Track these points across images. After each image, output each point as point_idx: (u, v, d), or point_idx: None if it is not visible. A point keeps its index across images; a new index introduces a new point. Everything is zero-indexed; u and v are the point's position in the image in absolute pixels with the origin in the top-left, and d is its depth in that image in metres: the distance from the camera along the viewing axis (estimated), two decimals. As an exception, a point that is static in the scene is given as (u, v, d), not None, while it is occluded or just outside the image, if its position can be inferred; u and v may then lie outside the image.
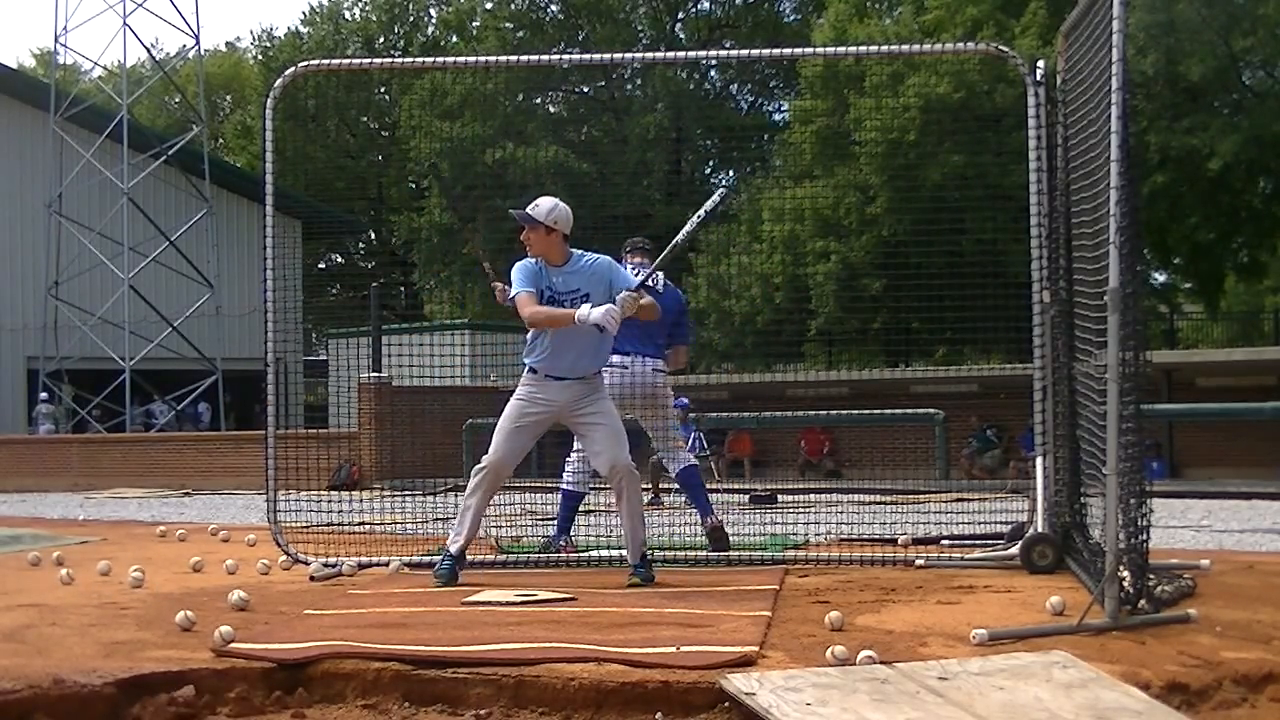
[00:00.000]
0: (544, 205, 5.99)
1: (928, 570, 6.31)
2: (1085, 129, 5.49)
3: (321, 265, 41.01)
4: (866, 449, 19.89)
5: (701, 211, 6.25)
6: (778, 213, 25.74)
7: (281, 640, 4.42)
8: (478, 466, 6.10)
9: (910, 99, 23.75)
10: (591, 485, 7.12)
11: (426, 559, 6.65)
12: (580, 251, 6.06)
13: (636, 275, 7.07)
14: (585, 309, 5.75)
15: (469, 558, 6.24)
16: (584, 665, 3.96)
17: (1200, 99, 24.66)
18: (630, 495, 5.93)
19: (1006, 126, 18.70)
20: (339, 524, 8.07)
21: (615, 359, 6.97)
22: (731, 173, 36.89)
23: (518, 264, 6.03)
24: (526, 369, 6.07)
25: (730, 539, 7.13)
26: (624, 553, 6.10)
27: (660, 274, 7.29)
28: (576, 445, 6.93)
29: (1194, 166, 24.22)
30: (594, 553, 6.90)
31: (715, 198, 6.39)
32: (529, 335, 6.07)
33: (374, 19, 41.25)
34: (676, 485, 7.46)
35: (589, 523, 7.70)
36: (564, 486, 7.07)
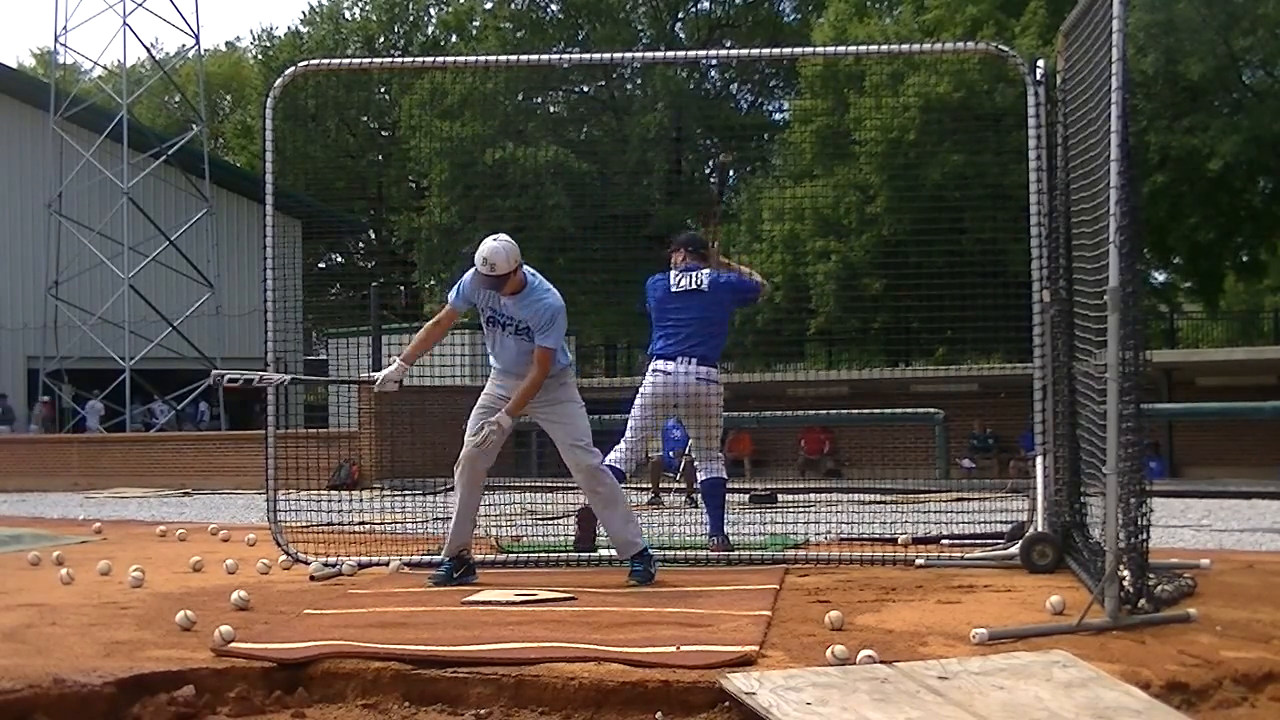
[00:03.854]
0: (498, 259, 5.82)
1: (928, 570, 6.31)
2: (1085, 129, 5.49)
3: (321, 265, 41.01)
4: (866, 448, 19.90)
5: None
6: (778, 212, 25.77)
7: (281, 640, 4.42)
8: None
9: (910, 98, 23.76)
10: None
11: (426, 559, 6.65)
12: (541, 285, 6.04)
13: (687, 277, 7.12)
14: (503, 412, 6.00)
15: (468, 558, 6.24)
16: (584, 665, 3.96)
17: (1200, 99, 24.67)
18: (596, 494, 6.03)
19: (1006, 126, 18.68)
20: (339, 524, 8.07)
21: (659, 364, 7.09)
22: (731, 171, 36.90)
23: (465, 277, 6.12)
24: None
25: (731, 541, 7.14)
26: (626, 552, 6.10)
27: (704, 271, 7.30)
28: (626, 434, 7.05)
29: (1194, 166, 24.22)
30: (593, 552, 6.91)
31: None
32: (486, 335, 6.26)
33: (374, 19, 41.23)
34: (677, 484, 7.49)
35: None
36: (608, 462, 6.88)
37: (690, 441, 7.53)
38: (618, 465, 6.93)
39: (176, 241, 27.52)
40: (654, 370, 7.14)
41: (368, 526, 9.00)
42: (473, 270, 6.00)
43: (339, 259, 43.56)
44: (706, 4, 38.25)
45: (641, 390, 7.18)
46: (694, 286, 7.20)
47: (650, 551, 6.13)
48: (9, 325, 27.19)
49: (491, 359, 6.22)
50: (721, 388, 7.23)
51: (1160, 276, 30.88)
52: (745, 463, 22.80)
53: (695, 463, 7.44)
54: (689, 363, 7.02)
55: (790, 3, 37.89)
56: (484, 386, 6.41)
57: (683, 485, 13.13)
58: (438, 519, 9.97)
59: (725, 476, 7.32)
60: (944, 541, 7.42)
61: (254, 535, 8.29)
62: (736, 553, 6.92)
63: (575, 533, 7.03)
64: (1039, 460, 6.39)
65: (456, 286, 6.17)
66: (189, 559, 6.96)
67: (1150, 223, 23.54)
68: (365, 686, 4.01)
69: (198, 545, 8.22)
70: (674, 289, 7.21)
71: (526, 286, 6.00)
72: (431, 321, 6.35)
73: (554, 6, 37.53)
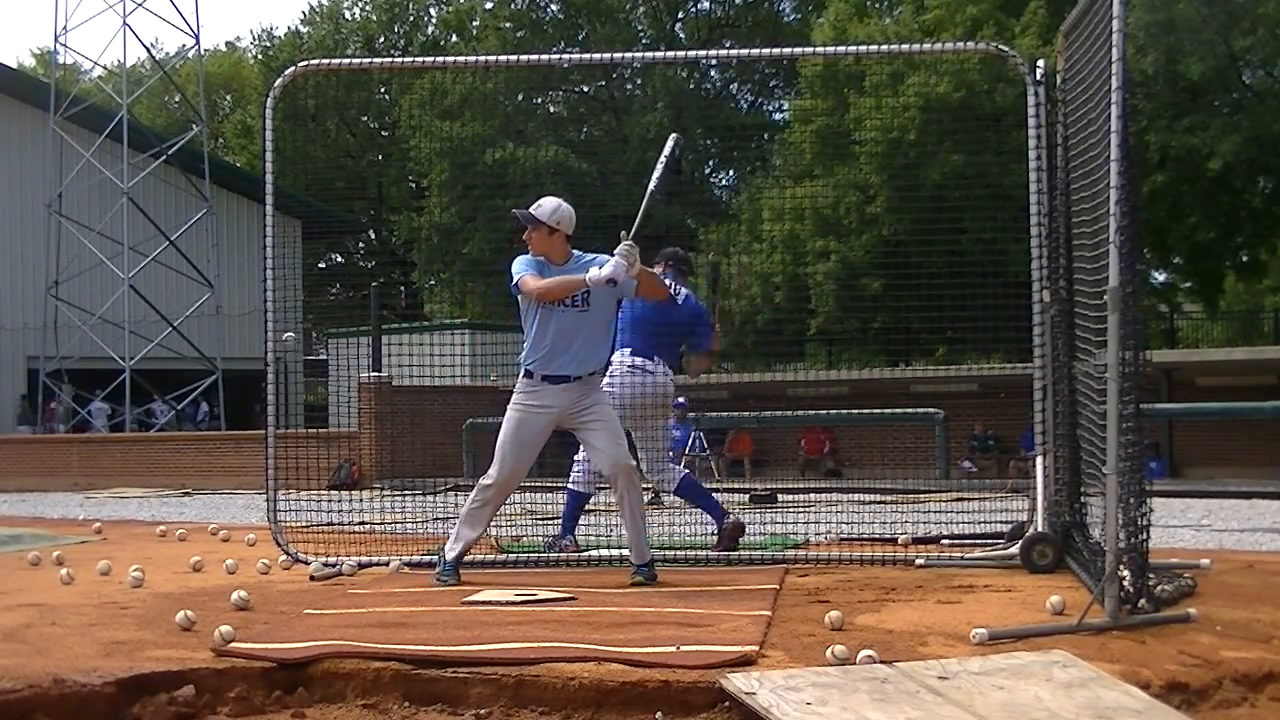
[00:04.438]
0: (547, 205, 5.96)
1: (928, 570, 6.31)
2: (1085, 128, 5.50)
3: (321, 265, 41.02)
4: (866, 449, 19.91)
5: (661, 161, 6.17)
6: (778, 212, 25.75)
7: (281, 640, 4.42)
8: (484, 481, 6.03)
9: (910, 98, 23.75)
10: (598, 485, 7.10)
11: (426, 559, 6.65)
12: (581, 251, 6.03)
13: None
14: (594, 270, 5.70)
15: (467, 555, 6.24)
16: (584, 665, 3.96)
17: (1200, 98, 24.66)
18: (631, 495, 5.91)
19: (1006, 126, 18.70)
20: (339, 524, 8.07)
21: (636, 360, 7.03)
22: (731, 172, 36.88)
23: (517, 261, 6.01)
24: (523, 373, 6.03)
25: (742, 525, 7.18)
26: (624, 552, 6.09)
27: (683, 289, 7.31)
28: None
29: (1194, 166, 24.21)
30: (594, 552, 6.91)
31: (669, 145, 6.23)
32: (527, 335, 6.02)
33: (374, 19, 41.27)
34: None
35: (589, 522, 7.70)
36: (571, 486, 7.06)
37: (639, 452, 7.13)
38: (583, 489, 6.95)
39: (176, 241, 27.53)
40: (627, 369, 7.04)
41: (368, 526, 9.00)
42: (521, 259, 5.97)
43: (339, 259, 43.57)
44: (706, 4, 38.27)
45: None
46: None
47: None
48: (9, 325, 27.21)
49: (536, 359, 5.92)
50: (657, 381, 7.05)
51: (1160, 276, 30.86)
52: (745, 463, 22.82)
53: (650, 478, 7.24)
54: (624, 353, 6.96)
55: (790, 3, 37.91)
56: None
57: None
58: (438, 519, 9.98)
59: (686, 470, 7.36)
60: (944, 541, 7.42)
61: (254, 535, 8.29)
62: (736, 553, 6.93)
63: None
64: (1039, 460, 6.39)
65: (524, 270, 5.90)
66: (189, 559, 6.96)
67: (1150, 223, 23.53)
68: (365, 686, 4.01)
69: (198, 545, 8.22)
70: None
71: (573, 256, 5.96)
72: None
73: (554, 6, 37.55)
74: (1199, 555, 6.68)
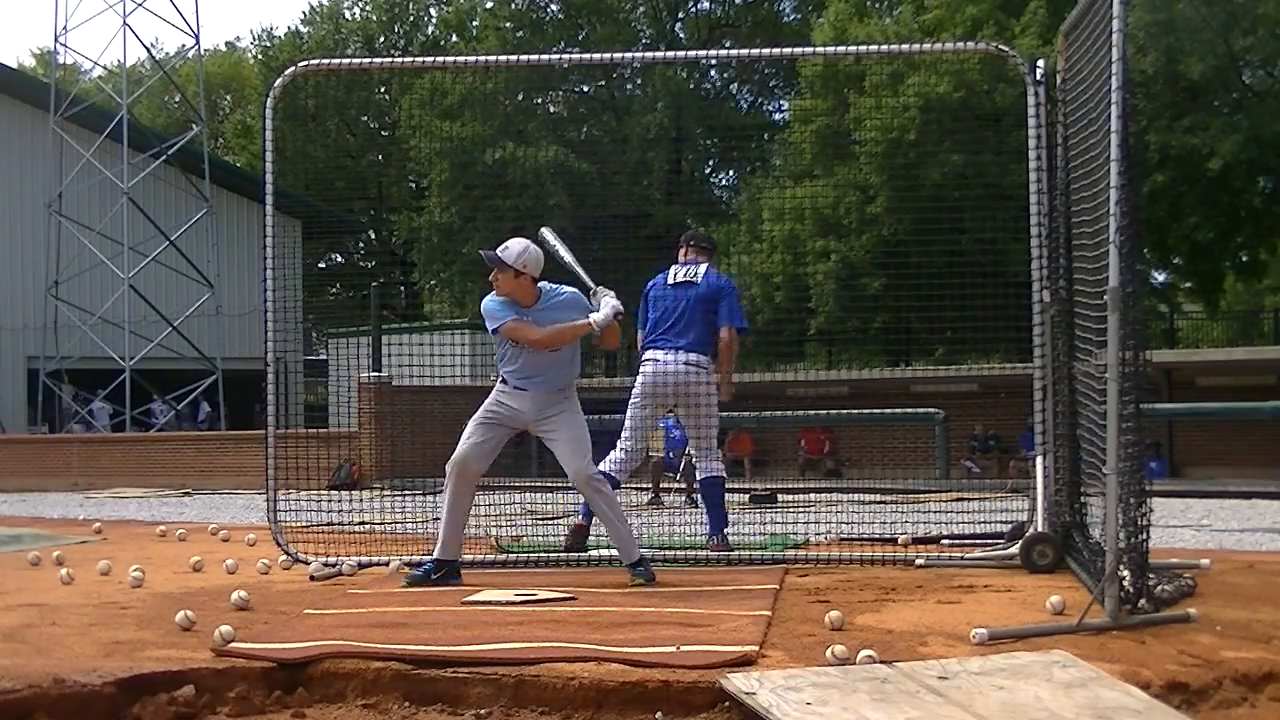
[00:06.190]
0: (514, 248, 5.94)
1: (928, 570, 6.31)
2: (1085, 128, 5.50)
3: (321, 265, 41.01)
4: (866, 448, 19.92)
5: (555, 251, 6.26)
6: (778, 212, 25.76)
7: (281, 640, 4.42)
8: (448, 466, 6.06)
9: (910, 98, 23.74)
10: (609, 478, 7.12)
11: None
12: (548, 285, 6.03)
13: (686, 269, 7.20)
14: (597, 315, 5.87)
15: (467, 556, 6.24)
16: (584, 665, 3.96)
17: (1200, 98, 24.65)
18: (598, 500, 5.97)
19: (1006, 126, 18.70)
20: (339, 524, 8.07)
21: (649, 354, 7.14)
22: (731, 171, 36.88)
23: (488, 302, 6.02)
24: (499, 377, 6.09)
25: (730, 542, 7.16)
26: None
27: (703, 265, 7.34)
28: (623, 436, 7.09)
29: (1194, 166, 24.20)
30: (594, 552, 6.91)
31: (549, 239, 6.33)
32: (500, 346, 6.07)
33: (374, 19, 41.26)
34: (677, 484, 7.49)
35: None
36: (602, 469, 7.01)
37: (689, 439, 7.49)
38: (612, 472, 6.95)
39: (176, 241, 27.52)
40: (644, 361, 7.18)
41: (368, 526, 9.00)
42: (494, 301, 6.00)
43: (339, 259, 43.57)
44: (706, 4, 38.25)
45: (634, 388, 7.22)
46: (689, 278, 7.27)
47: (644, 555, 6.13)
48: (9, 325, 27.20)
49: (508, 372, 6.03)
50: (713, 378, 7.23)
51: (1160, 276, 30.84)
52: (745, 463, 22.81)
53: (694, 461, 7.46)
54: (677, 352, 7.07)
55: (790, 3, 37.89)
56: (484, 387, 6.34)
57: (683, 485, 13.13)
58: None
59: (724, 474, 7.33)
60: (944, 541, 7.43)
61: (254, 535, 8.29)
62: (736, 553, 6.93)
63: (568, 540, 7.08)
64: (1039, 460, 6.39)
65: (504, 314, 5.97)
66: (189, 559, 6.96)
67: (1150, 223, 23.52)
68: (365, 686, 4.01)
69: (198, 545, 8.22)
70: (670, 281, 7.31)
71: (543, 294, 5.99)
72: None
73: (554, 6, 37.52)
74: (1199, 555, 6.68)
